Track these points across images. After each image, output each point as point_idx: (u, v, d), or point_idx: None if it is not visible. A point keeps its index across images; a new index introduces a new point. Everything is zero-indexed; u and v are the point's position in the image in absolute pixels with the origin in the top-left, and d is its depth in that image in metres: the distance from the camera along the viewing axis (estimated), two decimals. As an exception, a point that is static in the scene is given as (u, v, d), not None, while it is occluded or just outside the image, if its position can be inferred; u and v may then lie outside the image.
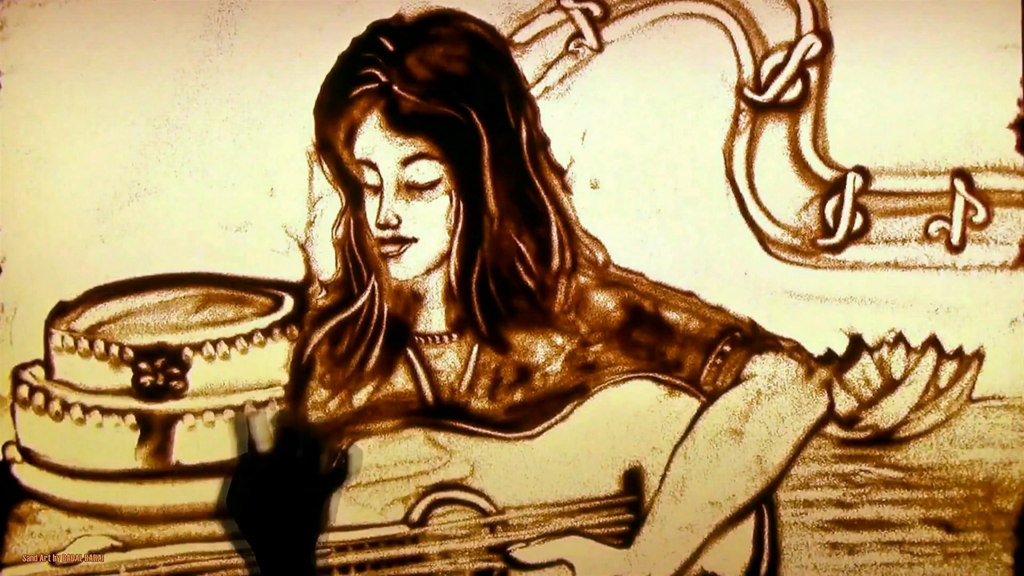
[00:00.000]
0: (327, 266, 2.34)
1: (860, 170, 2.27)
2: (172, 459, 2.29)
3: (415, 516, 2.26)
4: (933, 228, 2.27)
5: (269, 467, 1.36)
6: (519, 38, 2.32)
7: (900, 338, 2.25)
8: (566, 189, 2.29)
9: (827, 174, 2.28)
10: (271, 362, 2.32)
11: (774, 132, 2.29)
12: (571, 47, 2.31)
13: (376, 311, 2.31)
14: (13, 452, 2.34)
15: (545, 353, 2.28)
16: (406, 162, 2.25)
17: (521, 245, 2.27)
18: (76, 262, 2.35)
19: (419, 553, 2.26)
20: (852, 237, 2.27)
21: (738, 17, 2.29)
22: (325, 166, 2.32)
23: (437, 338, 2.31)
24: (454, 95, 2.23)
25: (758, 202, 2.28)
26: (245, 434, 1.37)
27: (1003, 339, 2.24)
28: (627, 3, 2.31)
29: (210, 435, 2.29)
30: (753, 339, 2.26)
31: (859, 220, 2.27)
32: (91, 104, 2.37)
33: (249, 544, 1.33)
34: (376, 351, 2.31)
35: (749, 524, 2.23)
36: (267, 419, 1.41)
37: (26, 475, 2.34)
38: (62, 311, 2.35)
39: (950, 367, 2.24)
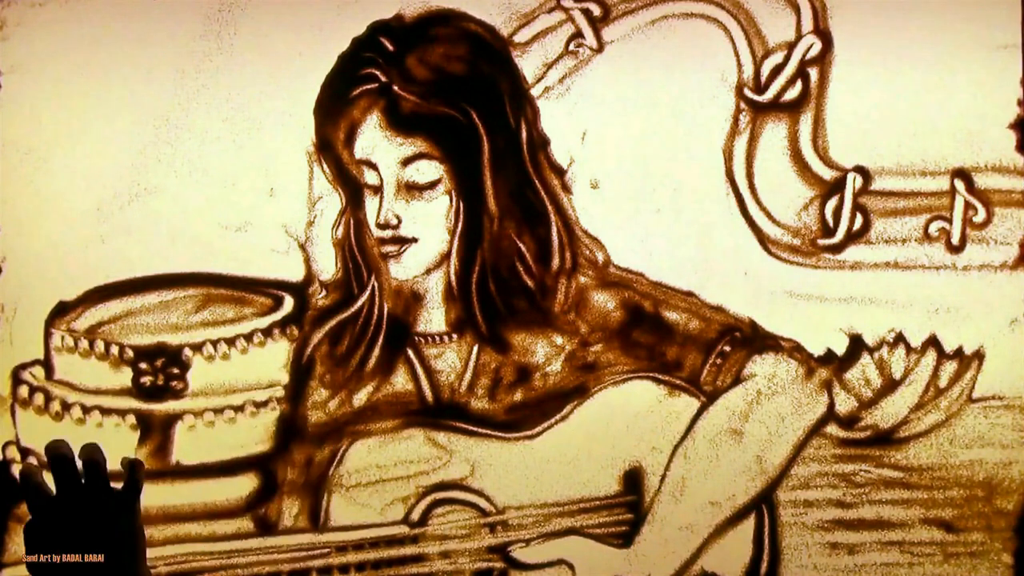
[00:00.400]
0: (327, 266, 2.34)
1: (860, 170, 2.27)
2: (172, 459, 2.29)
3: (415, 516, 2.26)
4: (933, 228, 2.26)
5: (61, 507, 1.28)
6: (519, 38, 2.32)
7: (900, 338, 2.25)
8: (566, 189, 2.29)
9: (827, 174, 2.28)
10: (271, 362, 2.32)
11: (774, 132, 2.29)
12: (571, 47, 2.31)
13: (376, 311, 2.31)
14: (13, 452, 2.34)
15: (545, 353, 2.28)
16: (406, 162, 2.25)
17: (521, 245, 2.26)
18: (76, 262, 2.35)
19: (419, 553, 2.26)
20: (852, 237, 2.27)
21: (738, 17, 2.29)
22: (325, 166, 2.32)
23: (437, 338, 2.31)
24: (454, 95, 2.23)
25: (758, 202, 2.28)
26: (29, 494, 1.29)
27: (1003, 339, 2.24)
28: (627, 3, 2.31)
29: (210, 435, 2.29)
30: (753, 339, 2.26)
31: (859, 220, 2.27)
32: (91, 104, 2.37)
33: None
34: (376, 351, 2.31)
35: (749, 524, 2.23)
36: (40, 469, 1.32)
37: (26, 475, 2.34)
38: (62, 311, 2.35)
39: (950, 367, 2.24)
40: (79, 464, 1.29)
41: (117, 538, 1.28)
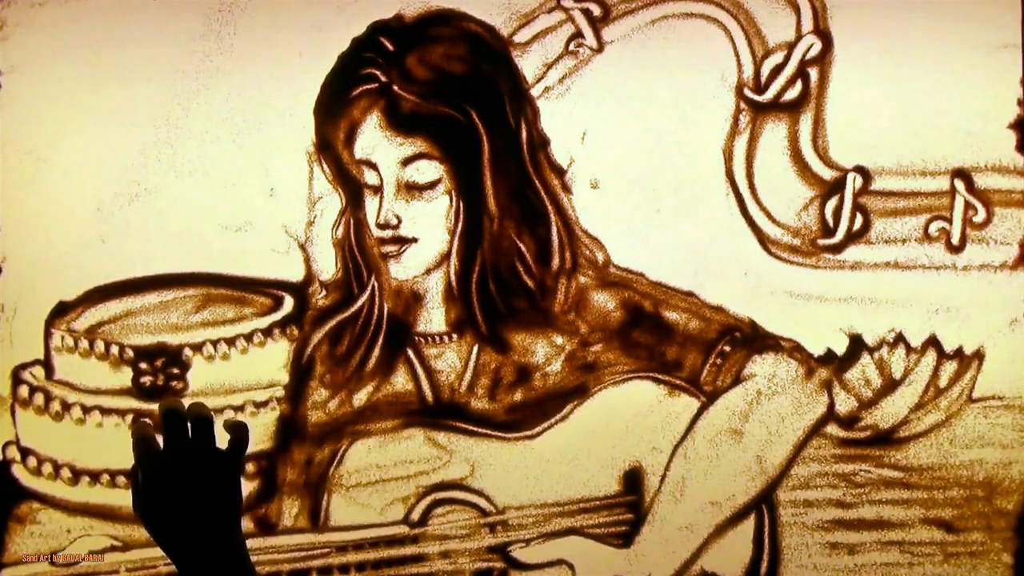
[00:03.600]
0: (327, 266, 2.34)
1: (860, 170, 2.27)
2: (172, 459, 2.29)
3: (415, 516, 2.26)
4: (933, 228, 2.26)
5: (166, 464, 1.31)
6: (519, 38, 2.32)
7: (900, 338, 2.25)
8: (566, 189, 2.29)
9: (827, 174, 2.28)
10: (271, 362, 2.32)
11: (774, 132, 2.29)
12: (571, 47, 2.31)
13: (376, 311, 2.31)
14: (13, 452, 2.34)
15: (545, 353, 2.28)
16: (406, 162, 2.25)
17: (521, 245, 2.26)
18: (76, 262, 2.35)
19: (419, 553, 2.26)
20: (852, 237, 2.27)
21: (738, 17, 2.29)
22: (325, 166, 2.32)
23: (437, 338, 2.31)
24: (454, 95, 2.23)
25: (758, 202, 2.28)
26: (139, 448, 1.33)
27: (1003, 339, 2.24)
28: (627, 3, 2.31)
29: (210, 435, 2.29)
30: (753, 339, 2.26)
31: (859, 220, 2.27)
32: (91, 104, 2.37)
33: (165, 550, 1.30)
34: (376, 351, 2.31)
35: (749, 524, 2.23)
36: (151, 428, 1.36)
37: (26, 475, 2.34)
38: (62, 311, 2.35)
39: (950, 367, 2.24)
40: (188, 423, 1.32)
41: (219, 495, 1.30)
